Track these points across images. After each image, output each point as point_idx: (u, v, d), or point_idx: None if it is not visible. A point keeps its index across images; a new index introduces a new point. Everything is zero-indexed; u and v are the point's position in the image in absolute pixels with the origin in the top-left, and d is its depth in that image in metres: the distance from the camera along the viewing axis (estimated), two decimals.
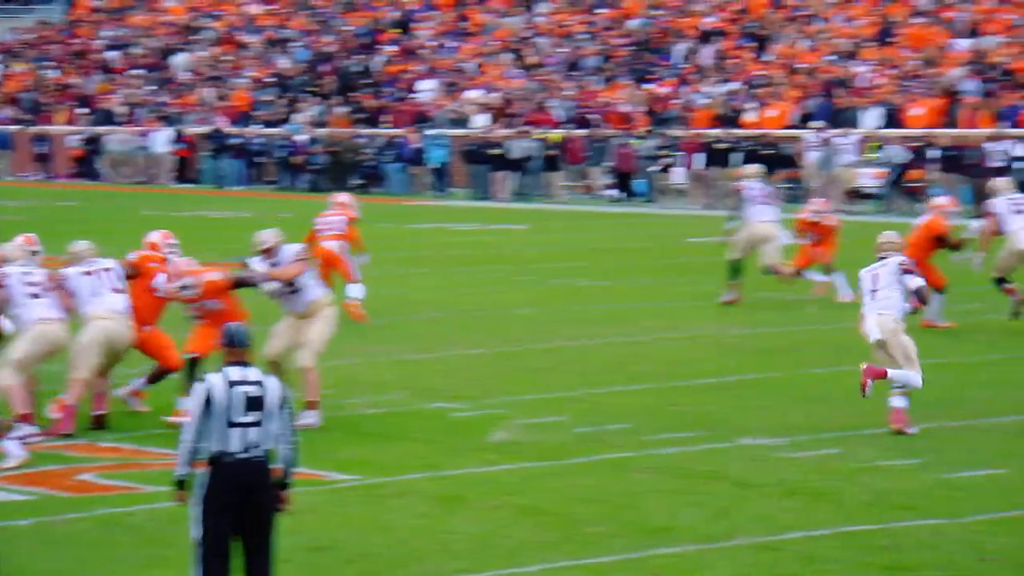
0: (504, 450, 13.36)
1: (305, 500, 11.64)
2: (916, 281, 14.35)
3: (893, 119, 41.69)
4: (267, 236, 14.61)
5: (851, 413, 14.70)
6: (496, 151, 44.09)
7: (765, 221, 22.36)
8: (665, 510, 11.40)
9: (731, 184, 27.68)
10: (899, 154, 39.36)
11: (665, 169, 42.08)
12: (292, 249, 14.63)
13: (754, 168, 24.39)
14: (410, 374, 17.01)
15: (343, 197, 21.98)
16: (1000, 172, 37.11)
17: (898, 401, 13.93)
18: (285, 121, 50.67)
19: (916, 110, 41.61)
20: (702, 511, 11.35)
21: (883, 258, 14.50)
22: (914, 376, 13.98)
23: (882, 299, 14.23)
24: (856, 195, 39.86)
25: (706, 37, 48.86)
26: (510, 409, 14.99)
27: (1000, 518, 11.12)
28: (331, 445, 13.59)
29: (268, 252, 14.53)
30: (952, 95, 41.62)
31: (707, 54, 48.05)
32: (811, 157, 40.20)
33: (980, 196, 30.72)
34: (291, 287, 14.48)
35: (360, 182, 45.73)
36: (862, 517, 11.15)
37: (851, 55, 45.36)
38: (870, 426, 14.10)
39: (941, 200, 20.50)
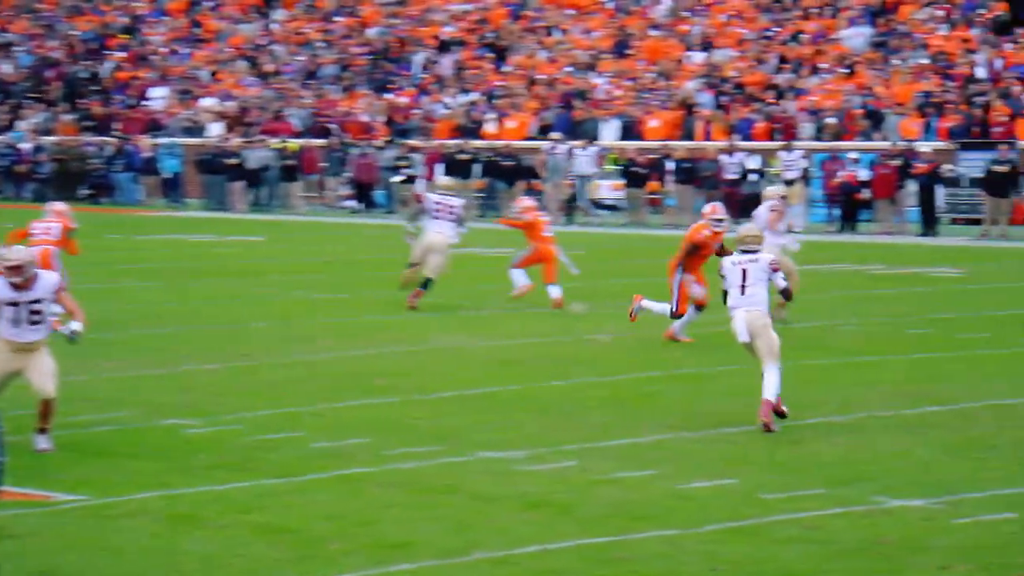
0: (239, 467, 13.09)
1: (28, 523, 11.24)
2: (782, 281, 14.81)
3: (631, 131, 42.36)
4: (19, 253, 13.87)
5: (588, 425, 14.80)
6: (232, 161, 43.55)
7: (438, 233, 23.23)
8: (403, 525, 11.29)
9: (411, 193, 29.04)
10: (585, 166, 40.10)
11: (407, 181, 42.10)
12: (50, 279, 13.92)
13: (445, 180, 25.60)
14: (142, 390, 16.60)
15: (59, 205, 21.89)
16: (735, 184, 38.04)
17: (768, 393, 14.36)
18: (8, 128, 49.34)
19: (653, 122, 42.35)
20: (440, 526, 11.27)
21: (747, 251, 14.70)
22: (775, 378, 14.37)
23: (750, 295, 14.64)
24: (594, 206, 40.38)
25: (445, 47, 49.02)
26: (246, 425, 14.73)
27: (731, 528, 11.26)
28: (57, 465, 13.15)
29: (16, 270, 13.80)
30: (688, 108, 42.46)
31: (446, 64, 48.20)
32: (549, 168, 40.61)
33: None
34: (38, 317, 13.84)
35: (89, 192, 44.73)
36: (599, 529, 11.19)
37: (589, 67, 45.96)
38: (606, 438, 14.20)
39: (707, 207, 20.42)
